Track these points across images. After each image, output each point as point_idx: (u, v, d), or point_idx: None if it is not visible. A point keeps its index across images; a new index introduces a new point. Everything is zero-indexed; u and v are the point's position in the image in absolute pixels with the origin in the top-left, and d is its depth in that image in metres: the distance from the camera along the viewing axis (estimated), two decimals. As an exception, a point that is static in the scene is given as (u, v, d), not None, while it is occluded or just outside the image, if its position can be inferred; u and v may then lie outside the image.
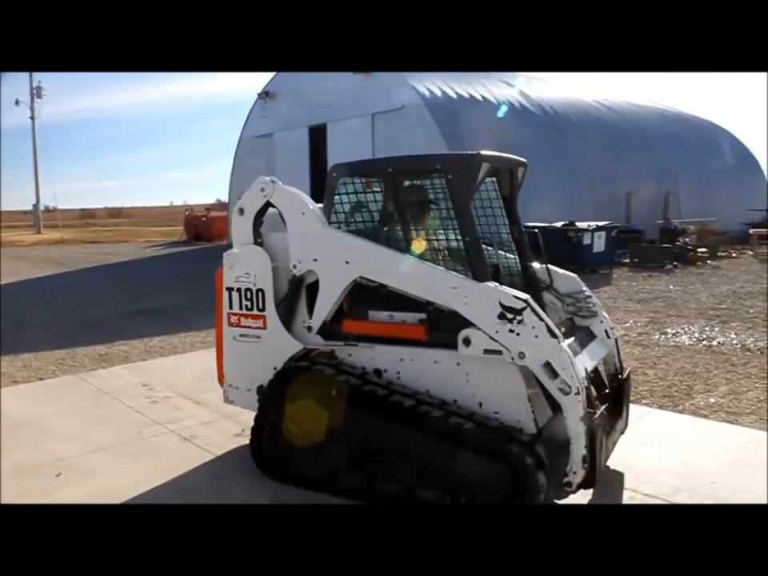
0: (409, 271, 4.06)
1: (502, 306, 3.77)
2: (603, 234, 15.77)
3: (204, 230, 32.73)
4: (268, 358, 4.53)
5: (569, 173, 21.59)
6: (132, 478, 4.54)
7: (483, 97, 22.61)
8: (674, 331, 9.11)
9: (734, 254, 18.79)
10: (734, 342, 8.38)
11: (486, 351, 3.82)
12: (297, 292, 4.50)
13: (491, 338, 3.79)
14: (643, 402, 6.05)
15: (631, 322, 9.82)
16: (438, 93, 21.52)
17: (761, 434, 5.14)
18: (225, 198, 32.10)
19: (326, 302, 4.38)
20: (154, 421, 5.68)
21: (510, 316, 3.75)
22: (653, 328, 9.32)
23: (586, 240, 15.37)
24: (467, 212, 4.09)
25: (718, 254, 18.31)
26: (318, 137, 24.97)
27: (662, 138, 26.49)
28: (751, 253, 18.94)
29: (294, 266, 4.42)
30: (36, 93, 47.49)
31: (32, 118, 47.82)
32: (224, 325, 4.76)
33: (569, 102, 25.19)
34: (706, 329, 9.20)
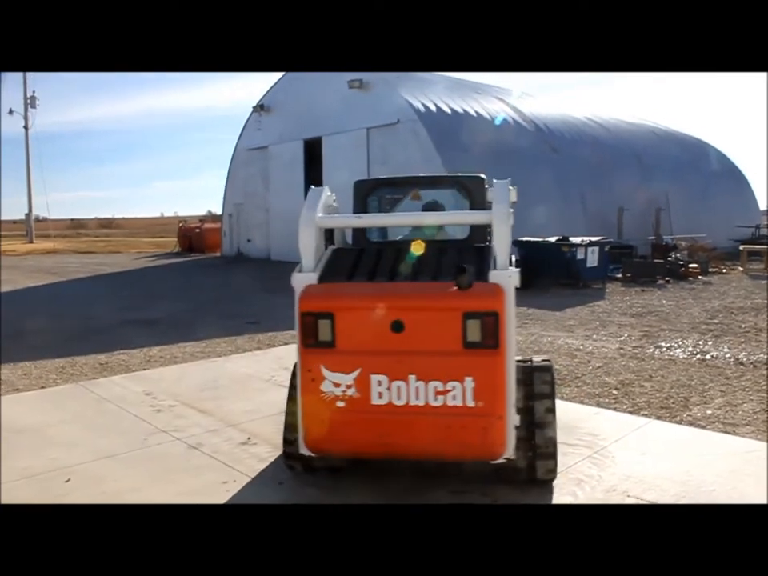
0: None
1: None
2: (596, 249, 15.94)
3: (197, 241, 32.91)
4: None
5: (561, 188, 21.83)
6: (143, 482, 4.58)
7: (477, 112, 22.86)
8: (668, 345, 9.23)
9: (724, 270, 19.02)
10: (728, 355, 8.51)
11: None
12: None
13: None
14: (642, 413, 6.15)
15: (626, 335, 9.94)
16: (433, 107, 21.74)
17: (759, 444, 5.23)
18: (216, 210, 32.23)
19: None
20: (159, 429, 5.71)
21: None
22: (647, 342, 9.44)
23: (580, 255, 15.54)
24: None
25: (709, 269, 18.54)
26: (312, 150, 25.15)
27: (652, 155, 26.86)
28: (741, 269, 19.18)
29: None
30: (30, 102, 47.45)
31: (26, 127, 47.77)
32: None
33: (561, 118, 25.52)
34: (700, 343, 9.33)
